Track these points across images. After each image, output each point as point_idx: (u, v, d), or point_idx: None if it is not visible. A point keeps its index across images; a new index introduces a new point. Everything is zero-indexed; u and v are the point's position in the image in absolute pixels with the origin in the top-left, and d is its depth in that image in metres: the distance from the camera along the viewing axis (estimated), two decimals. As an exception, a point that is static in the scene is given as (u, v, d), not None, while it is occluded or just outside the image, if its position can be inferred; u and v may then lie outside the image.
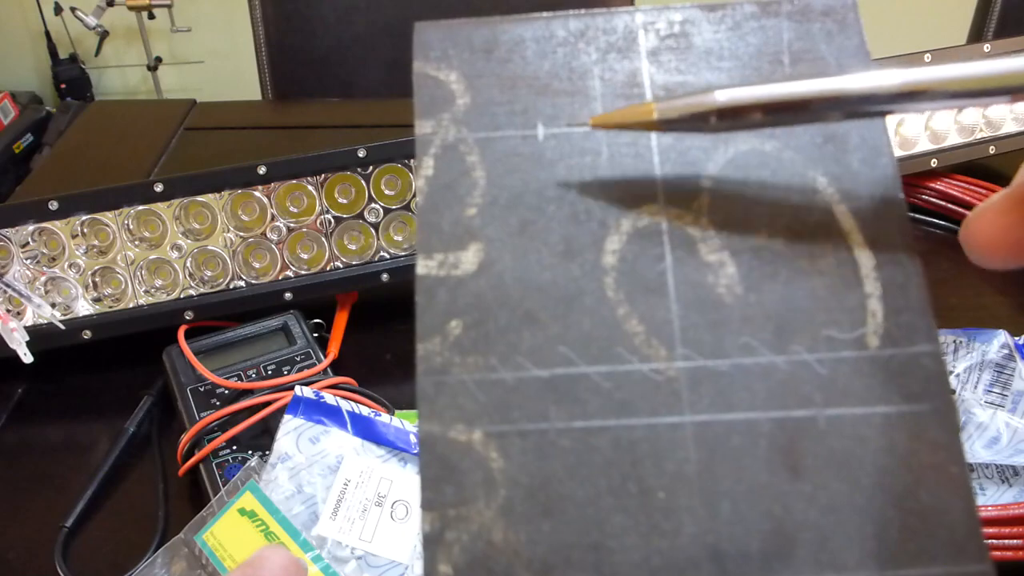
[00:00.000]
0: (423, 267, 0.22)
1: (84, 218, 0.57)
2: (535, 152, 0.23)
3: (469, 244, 0.22)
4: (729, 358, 0.21)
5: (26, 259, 0.57)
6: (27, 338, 0.56)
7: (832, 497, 0.20)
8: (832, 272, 0.22)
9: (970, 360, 0.49)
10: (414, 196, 0.60)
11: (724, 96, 0.21)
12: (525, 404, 0.21)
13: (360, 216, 0.60)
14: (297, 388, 0.48)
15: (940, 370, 0.21)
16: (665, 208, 0.23)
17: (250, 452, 0.50)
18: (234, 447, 0.50)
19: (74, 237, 0.57)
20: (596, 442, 0.21)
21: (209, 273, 0.59)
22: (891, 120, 0.69)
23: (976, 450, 0.46)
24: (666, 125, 0.22)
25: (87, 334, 0.57)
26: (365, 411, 0.49)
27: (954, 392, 0.49)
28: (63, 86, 2.09)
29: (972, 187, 0.72)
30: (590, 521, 0.20)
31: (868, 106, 0.21)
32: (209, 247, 0.59)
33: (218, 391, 0.53)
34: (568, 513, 0.20)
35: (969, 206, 0.71)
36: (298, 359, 0.55)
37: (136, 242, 0.58)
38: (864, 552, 0.20)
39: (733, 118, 0.21)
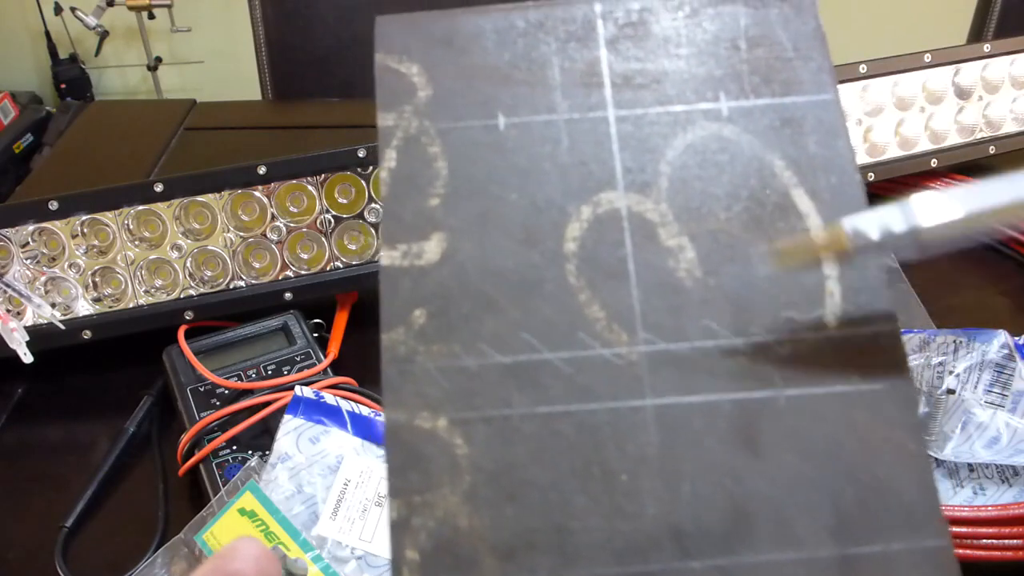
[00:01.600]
0: (387, 258, 0.22)
1: (84, 218, 0.57)
2: (496, 142, 0.24)
3: (432, 234, 0.23)
4: (690, 341, 0.22)
5: (26, 259, 0.57)
6: (27, 338, 0.56)
7: (790, 475, 0.20)
8: None
9: (970, 360, 0.49)
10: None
11: (926, 220, 0.20)
12: (488, 390, 0.21)
13: (360, 216, 0.60)
14: (297, 388, 0.48)
15: (898, 349, 0.21)
16: (625, 194, 0.23)
17: (250, 452, 0.50)
18: (234, 447, 0.50)
19: (74, 237, 0.57)
20: (559, 427, 0.21)
21: (209, 273, 0.59)
22: (891, 120, 0.69)
23: (976, 450, 0.46)
24: (859, 252, 0.21)
25: (87, 334, 0.57)
26: (365, 411, 0.49)
27: (953, 392, 0.49)
28: (63, 86, 2.09)
29: (972, 187, 0.72)
30: (554, 505, 0.20)
31: None
32: (209, 247, 0.59)
33: (218, 391, 0.53)
34: (532, 497, 0.20)
35: (969, 206, 0.71)
36: (298, 359, 0.55)
37: (136, 242, 0.58)
38: (822, 529, 0.20)
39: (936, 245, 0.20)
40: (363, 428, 0.48)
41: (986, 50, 0.70)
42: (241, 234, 0.59)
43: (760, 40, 0.24)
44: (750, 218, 0.23)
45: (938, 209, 0.20)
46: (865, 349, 0.21)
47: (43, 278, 0.57)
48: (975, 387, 0.48)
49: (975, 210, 0.20)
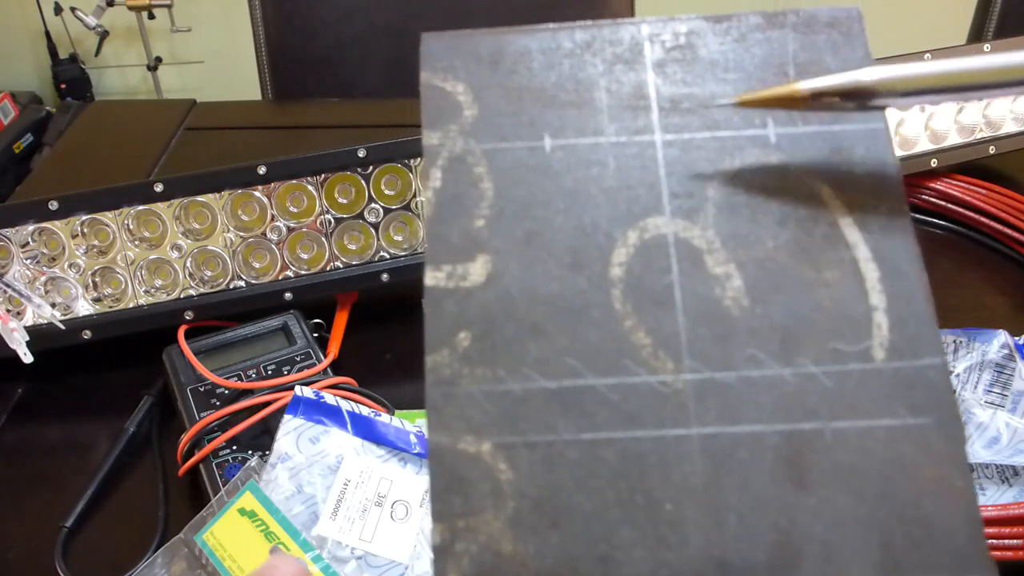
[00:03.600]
0: (431, 278, 0.22)
1: (84, 218, 0.57)
2: (542, 163, 0.23)
3: (477, 255, 0.23)
4: (736, 370, 0.21)
5: (26, 259, 0.57)
6: (27, 338, 0.56)
7: (837, 509, 0.20)
8: (838, 284, 0.22)
9: (970, 360, 0.49)
10: (414, 196, 0.60)
11: (875, 75, 0.22)
12: (533, 415, 0.21)
13: (360, 216, 0.60)
14: (297, 388, 0.48)
15: (945, 382, 0.21)
16: (671, 220, 0.23)
17: (250, 452, 0.50)
18: (234, 447, 0.50)
19: (74, 237, 0.57)
20: (603, 454, 0.21)
21: (209, 273, 0.59)
22: (891, 120, 0.69)
23: (976, 450, 0.46)
24: (816, 101, 0.22)
25: (87, 334, 0.57)
26: (365, 411, 0.49)
27: (954, 392, 0.49)
28: (63, 86, 2.09)
29: (972, 187, 0.72)
30: (597, 533, 0.20)
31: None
32: (209, 247, 0.59)
33: (218, 391, 0.53)
34: (576, 524, 0.20)
35: (969, 206, 0.71)
36: (298, 359, 0.55)
37: (136, 242, 0.58)
38: (869, 563, 0.20)
39: (884, 95, 0.22)
40: (363, 428, 0.48)
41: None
42: (241, 234, 0.59)
43: (809, 66, 0.24)
44: (798, 247, 0.22)
45: (892, 70, 0.21)
46: (913, 382, 0.21)
47: (43, 278, 0.57)
48: (975, 387, 0.48)
49: (929, 71, 0.21)
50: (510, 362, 0.22)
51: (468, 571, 0.20)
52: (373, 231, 0.60)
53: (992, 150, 0.72)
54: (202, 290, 0.59)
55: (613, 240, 0.23)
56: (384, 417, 0.48)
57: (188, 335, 0.56)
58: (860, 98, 0.21)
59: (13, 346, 0.55)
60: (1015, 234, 0.68)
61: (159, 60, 2.11)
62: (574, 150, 0.23)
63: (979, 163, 0.72)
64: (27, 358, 0.56)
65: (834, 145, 0.23)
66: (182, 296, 0.59)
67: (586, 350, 0.22)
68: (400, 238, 0.61)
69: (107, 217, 0.57)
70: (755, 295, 0.22)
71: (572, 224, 0.23)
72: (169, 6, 1.98)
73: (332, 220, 0.60)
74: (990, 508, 0.44)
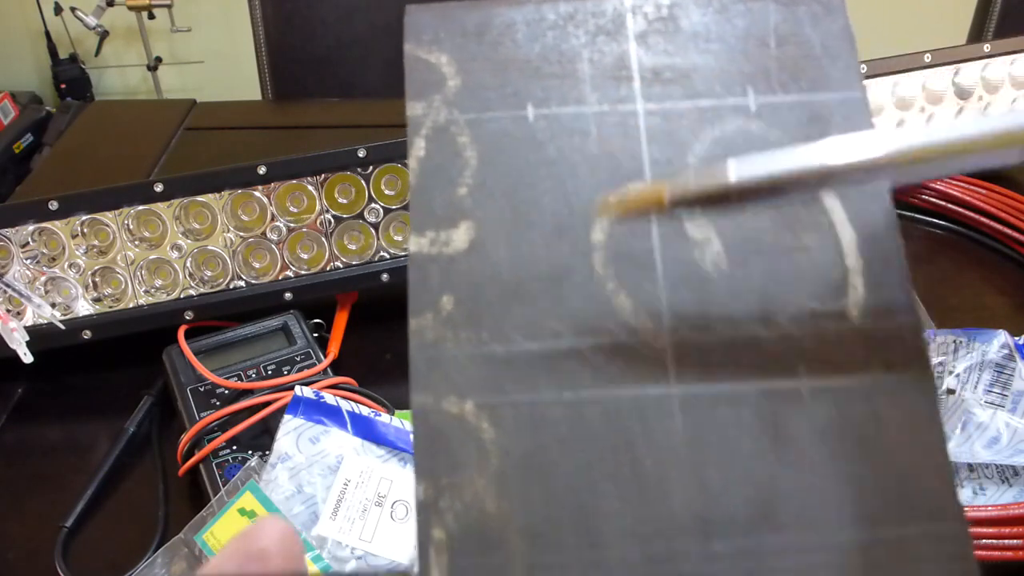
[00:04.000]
0: (415, 244, 0.23)
1: (84, 218, 0.57)
2: (525, 133, 0.24)
3: (460, 222, 0.23)
4: (715, 331, 0.22)
5: (26, 259, 0.57)
6: (27, 338, 0.56)
7: (814, 465, 0.21)
8: (815, 247, 0.23)
9: (970, 360, 0.49)
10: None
11: (735, 174, 0.20)
12: (516, 377, 0.21)
13: (360, 216, 0.60)
14: (297, 388, 0.48)
15: (919, 341, 0.22)
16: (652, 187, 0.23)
17: (250, 452, 0.50)
18: (234, 447, 0.50)
19: (74, 237, 0.57)
20: (585, 413, 0.21)
21: (209, 273, 0.59)
22: (891, 120, 0.69)
23: (976, 450, 0.46)
24: (675, 205, 0.21)
25: (87, 334, 0.57)
26: (365, 411, 0.49)
27: (953, 392, 0.49)
28: (63, 86, 2.09)
29: (972, 187, 0.72)
30: (580, 489, 0.21)
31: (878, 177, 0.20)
32: (209, 247, 0.59)
33: (218, 391, 0.53)
34: (558, 482, 0.21)
35: (969, 206, 0.71)
36: (298, 359, 0.55)
37: (136, 242, 0.58)
38: (845, 515, 0.20)
39: (746, 198, 0.20)
40: (363, 428, 0.48)
41: (986, 50, 0.70)
42: (241, 234, 0.59)
43: (789, 37, 0.24)
44: (776, 212, 0.23)
45: (750, 165, 0.20)
46: (888, 341, 0.22)
47: (43, 278, 0.57)
48: (975, 387, 0.48)
49: (783, 169, 0.20)
50: (493, 325, 0.22)
51: (452, 527, 0.20)
52: (373, 231, 0.60)
53: (992, 150, 0.72)
54: (202, 290, 0.59)
55: (595, 206, 0.23)
56: (384, 417, 0.48)
57: (188, 335, 0.56)
58: (725, 202, 0.20)
59: (13, 346, 0.56)
60: (1015, 234, 0.68)
61: (159, 60, 2.11)
62: (557, 119, 0.24)
63: (979, 163, 0.72)
64: (27, 358, 0.56)
65: (812, 112, 0.24)
66: (182, 296, 0.59)
67: (568, 313, 0.22)
68: (400, 238, 0.61)
69: (107, 217, 0.57)
70: (734, 259, 0.22)
71: (555, 191, 0.23)
72: (169, 6, 1.98)
73: (332, 220, 0.60)
74: (990, 508, 0.44)
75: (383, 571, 0.20)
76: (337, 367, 0.57)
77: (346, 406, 0.48)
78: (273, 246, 0.59)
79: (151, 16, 2.01)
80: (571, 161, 0.23)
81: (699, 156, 0.23)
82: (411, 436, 0.21)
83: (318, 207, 0.59)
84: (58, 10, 2.01)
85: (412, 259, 0.22)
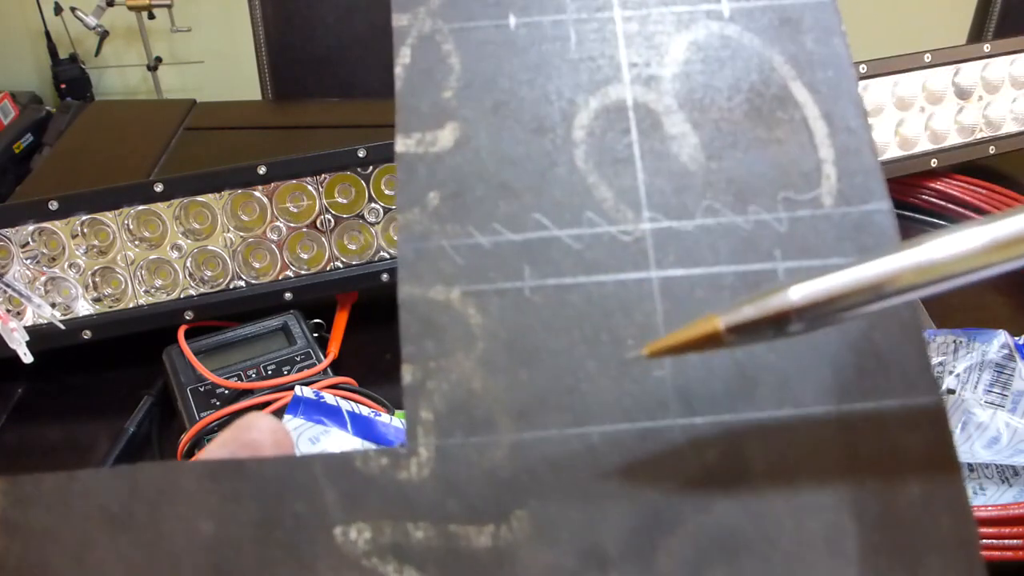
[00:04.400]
0: (402, 145, 0.23)
1: (84, 218, 0.57)
2: (507, 39, 0.25)
3: (446, 123, 0.24)
4: (693, 219, 0.23)
5: (26, 259, 0.57)
6: (27, 338, 0.56)
7: (791, 342, 0.21)
8: (789, 140, 0.24)
9: (970, 360, 0.49)
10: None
11: (798, 294, 0.19)
12: (501, 265, 0.22)
13: (360, 216, 0.60)
14: (297, 388, 0.48)
15: (891, 225, 0.23)
16: (631, 87, 0.24)
17: (250, 452, 0.50)
18: (234, 447, 0.50)
19: (74, 237, 0.57)
20: (569, 297, 0.22)
21: (209, 273, 0.59)
22: (891, 120, 0.69)
23: (976, 450, 0.46)
24: (735, 337, 0.19)
25: (87, 334, 0.57)
26: (365, 411, 0.49)
27: (953, 392, 0.49)
28: (63, 86, 2.09)
29: (972, 187, 0.72)
30: (564, 368, 0.21)
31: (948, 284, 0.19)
32: (209, 247, 0.59)
33: (218, 391, 0.53)
34: (544, 362, 0.21)
35: (969, 206, 0.71)
36: (298, 359, 0.55)
37: (136, 242, 0.58)
38: (822, 390, 0.21)
39: (812, 318, 0.19)
40: (363, 428, 0.48)
41: (986, 50, 0.70)
42: (241, 234, 0.59)
43: None
44: (751, 108, 0.24)
45: (811, 288, 0.19)
46: (860, 226, 0.23)
47: (43, 278, 0.57)
48: (975, 387, 0.48)
49: (848, 286, 0.19)
50: (479, 218, 0.23)
51: (440, 407, 0.21)
52: (373, 231, 0.60)
53: (992, 150, 0.72)
54: (202, 290, 0.59)
55: (576, 106, 0.24)
56: (384, 417, 0.48)
57: (188, 335, 0.56)
58: (783, 324, 0.19)
59: (13, 346, 0.56)
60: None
61: (159, 60, 2.11)
62: (538, 27, 0.25)
63: (979, 163, 0.72)
64: (27, 358, 0.56)
65: (783, 16, 0.25)
66: (182, 296, 0.59)
67: (551, 205, 0.23)
68: (400, 238, 0.61)
69: (107, 217, 0.57)
70: (711, 152, 0.23)
71: (536, 93, 0.24)
72: (169, 6, 1.98)
73: (332, 220, 0.60)
74: (990, 508, 0.44)
75: (373, 450, 0.21)
76: (337, 367, 0.57)
77: (346, 406, 0.48)
78: (273, 246, 0.59)
79: (151, 16, 2.00)
80: (552, 65, 0.24)
81: (675, 58, 0.24)
82: (399, 326, 0.22)
83: (318, 207, 0.59)
84: (58, 10, 2.00)
85: (399, 158, 0.23)
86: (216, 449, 0.21)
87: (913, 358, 0.21)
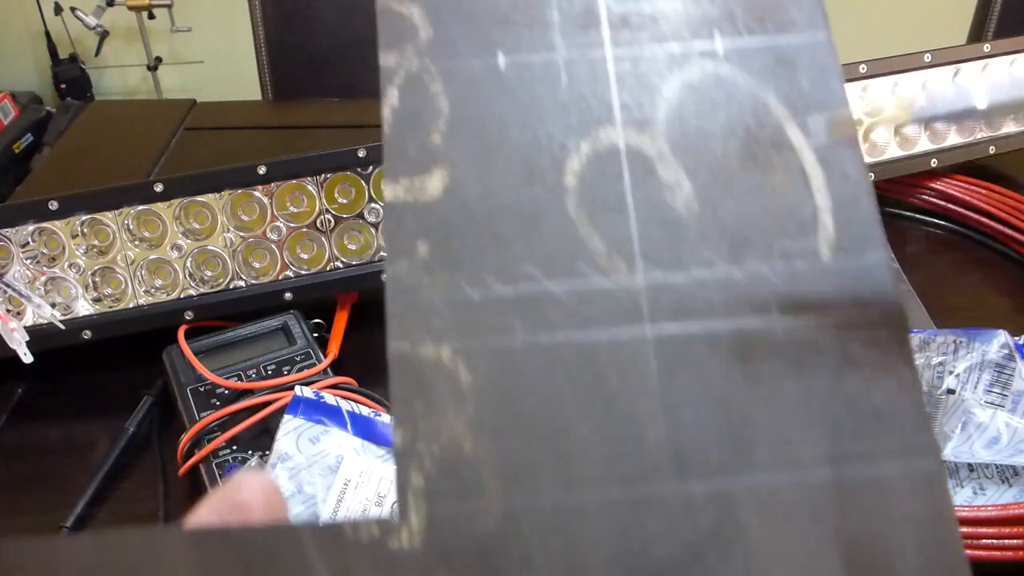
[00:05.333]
0: (390, 192, 0.23)
1: (84, 218, 0.57)
2: (497, 80, 0.24)
3: (434, 169, 0.23)
4: (687, 271, 0.22)
5: (26, 259, 0.57)
6: (27, 338, 0.56)
7: (788, 402, 0.21)
8: (785, 187, 0.23)
9: (970, 360, 0.49)
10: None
11: None
12: (491, 320, 0.22)
13: (360, 216, 0.60)
14: (297, 388, 0.48)
15: (889, 278, 0.22)
16: (623, 130, 0.24)
17: (250, 452, 0.50)
18: (234, 447, 0.50)
19: (74, 237, 0.57)
20: (560, 355, 0.21)
21: (209, 273, 0.59)
22: (891, 119, 0.69)
23: (976, 450, 0.46)
24: None
25: (87, 334, 0.57)
26: (365, 411, 0.49)
27: (953, 392, 0.49)
28: (63, 86, 2.09)
29: (972, 187, 0.72)
30: (556, 430, 0.21)
31: None
32: (209, 247, 0.59)
33: (218, 391, 0.53)
34: (535, 423, 0.21)
35: (969, 206, 0.71)
36: (298, 359, 0.55)
37: (136, 242, 0.58)
38: (819, 451, 0.21)
39: None
40: (363, 428, 0.48)
41: (986, 50, 0.70)
42: (241, 234, 0.59)
43: None
44: (746, 152, 0.23)
45: None
46: (858, 278, 0.22)
47: (43, 278, 0.58)
48: (975, 387, 0.48)
49: None
50: (469, 270, 0.22)
51: (430, 470, 0.20)
52: (373, 231, 0.60)
53: (992, 150, 0.72)
54: (202, 290, 0.59)
55: (567, 150, 0.23)
56: (384, 417, 0.48)
57: (188, 335, 0.56)
58: None
59: (13, 346, 0.56)
60: (1015, 234, 0.68)
61: (159, 60, 2.11)
62: (528, 66, 0.24)
63: (979, 163, 0.72)
64: (27, 358, 0.56)
65: (778, 55, 0.24)
66: (182, 296, 0.59)
67: (542, 256, 0.22)
68: (400, 238, 0.61)
69: (107, 217, 0.57)
70: (705, 200, 0.23)
71: (527, 136, 0.23)
72: (169, 6, 1.98)
73: (332, 220, 0.60)
74: (990, 508, 0.44)
75: (364, 520, 0.20)
76: (337, 367, 0.57)
77: (346, 406, 0.48)
78: (273, 246, 0.59)
79: (151, 16, 2.01)
80: (542, 106, 0.24)
81: (667, 99, 0.24)
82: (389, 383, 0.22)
83: (318, 207, 0.59)
84: (58, 10, 2.01)
85: (387, 207, 0.23)
86: (206, 512, 0.21)
87: (912, 418, 0.21)
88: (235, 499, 0.21)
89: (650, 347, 0.22)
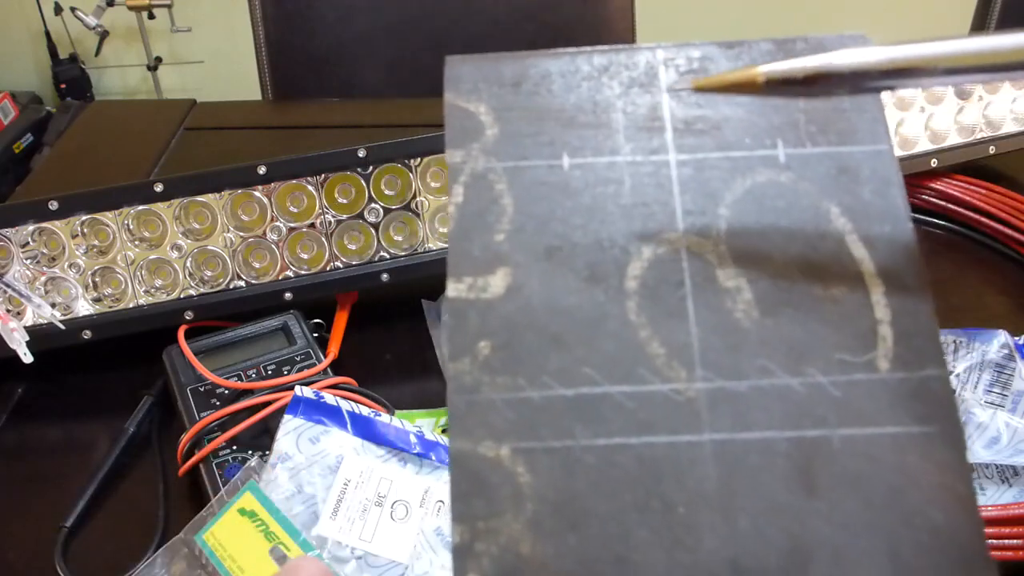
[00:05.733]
0: (453, 290, 0.23)
1: (84, 218, 0.57)
2: (561, 181, 0.24)
3: (497, 268, 0.23)
4: (747, 379, 0.22)
5: (26, 259, 0.57)
6: (27, 338, 0.56)
7: (846, 515, 0.21)
8: (844, 299, 0.23)
9: (970, 360, 0.49)
10: (414, 196, 0.60)
11: (815, 61, 0.22)
12: (551, 422, 0.22)
13: (360, 216, 0.60)
14: (297, 388, 0.48)
15: (948, 393, 0.22)
16: (685, 236, 0.24)
17: (250, 452, 0.50)
18: (234, 447, 0.50)
19: (74, 237, 0.57)
20: (619, 459, 0.21)
21: (209, 273, 0.59)
22: (891, 120, 0.69)
23: (976, 450, 0.46)
24: (769, 87, 0.22)
25: (87, 334, 0.57)
26: (365, 411, 0.49)
27: (956, 401, 0.49)
28: (63, 86, 2.09)
29: (972, 187, 0.72)
30: (614, 535, 0.21)
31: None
32: (209, 247, 0.59)
33: (218, 391, 0.53)
34: (593, 527, 0.21)
35: (969, 206, 0.71)
36: (298, 359, 0.55)
37: (136, 242, 0.58)
38: (877, 568, 0.20)
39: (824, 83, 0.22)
40: (363, 428, 0.48)
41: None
42: (241, 234, 0.59)
43: None
44: (806, 262, 0.23)
45: (852, 54, 0.21)
46: (917, 392, 0.22)
47: (43, 278, 0.57)
48: (975, 387, 0.48)
49: (889, 57, 0.21)
50: (530, 371, 0.22)
51: (488, 571, 0.20)
52: (373, 231, 0.60)
53: (992, 150, 0.72)
54: (202, 290, 0.59)
55: (629, 254, 0.23)
56: (384, 417, 0.48)
57: (188, 335, 0.56)
58: (819, 83, 0.21)
59: (13, 346, 0.55)
60: (1015, 234, 0.68)
61: (159, 60, 2.11)
62: (592, 168, 0.24)
63: (979, 163, 0.72)
64: (27, 358, 0.56)
65: (841, 165, 0.24)
66: (182, 296, 0.59)
67: (603, 359, 0.22)
68: (400, 238, 0.61)
69: (107, 217, 0.57)
70: (765, 308, 0.23)
71: (590, 239, 0.24)
72: (169, 6, 1.98)
73: (332, 220, 0.60)
74: (990, 508, 0.44)
75: None
76: (337, 367, 0.57)
77: (346, 406, 0.48)
78: (273, 246, 0.59)
79: (151, 16, 2.00)
80: (605, 209, 0.24)
81: (729, 206, 0.24)
82: (448, 481, 0.22)
83: (318, 207, 0.59)
84: (58, 10, 2.00)
85: (450, 304, 0.23)
86: None
87: (969, 535, 0.21)
88: None
89: (708, 454, 0.21)
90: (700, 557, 0.20)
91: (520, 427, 0.22)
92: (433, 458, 0.47)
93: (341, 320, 0.61)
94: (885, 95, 0.69)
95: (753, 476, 0.21)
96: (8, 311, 0.57)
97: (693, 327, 0.23)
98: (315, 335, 0.58)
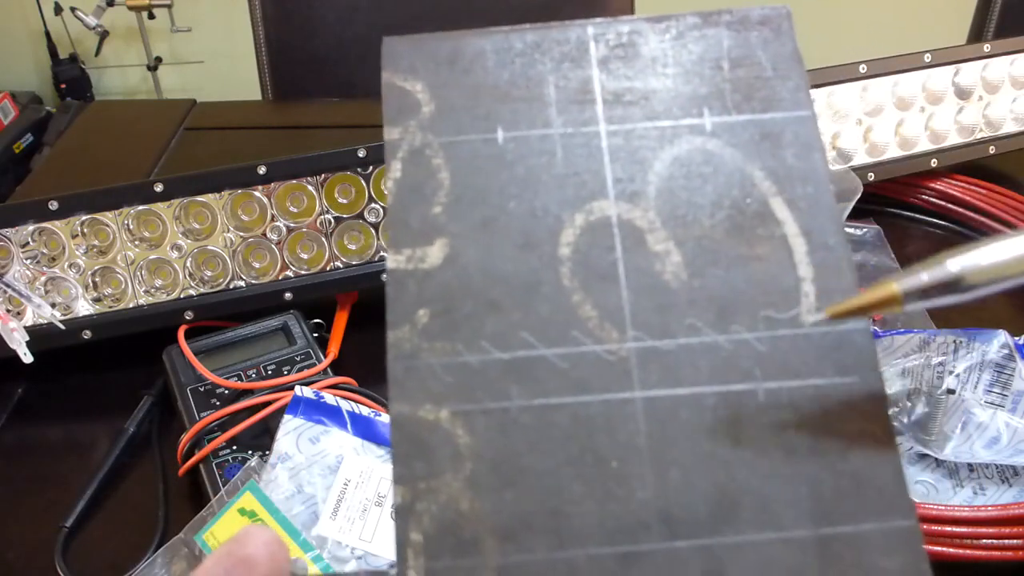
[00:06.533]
0: (393, 261, 0.24)
1: (84, 218, 0.57)
2: (496, 154, 0.25)
3: (435, 239, 0.24)
4: (676, 338, 0.23)
5: (26, 259, 0.57)
6: (27, 338, 0.56)
7: (772, 464, 0.22)
8: (769, 257, 0.24)
9: (970, 360, 0.49)
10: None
11: (956, 266, 0.22)
12: (488, 385, 0.23)
13: (360, 216, 0.60)
14: (297, 388, 0.48)
15: (869, 345, 0.23)
16: (615, 203, 0.25)
17: (250, 452, 0.50)
18: (234, 447, 0.50)
19: (74, 237, 0.57)
20: (554, 418, 0.22)
21: (209, 273, 0.59)
22: (891, 120, 0.69)
23: (976, 450, 0.46)
24: (909, 300, 0.22)
25: (87, 334, 0.57)
26: (365, 411, 0.49)
27: (953, 392, 0.49)
28: (63, 86, 2.09)
29: (972, 187, 0.72)
30: (549, 490, 0.22)
31: None
32: (209, 247, 0.59)
33: (218, 391, 0.53)
34: (529, 483, 0.22)
35: (969, 206, 0.71)
36: (298, 359, 0.55)
37: (136, 242, 0.58)
38: (802, 512, 0.22)
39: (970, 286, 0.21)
40: (363, 428, 0.48)
41: (986, 50, 0.70)
42: (241, 234, 0.59)
43: (741, 60, 0.26)
44: (732, 225, 0.24)
45: (979, 257, 0.21)
46: (839, 345, 0.23)
47: (43, 278, 0.58)
48: (975, 387, 0.48)
49: (1015, 256, 0.21)
50: (467, 336, 0.23)
51: (429, 528, 0.21)
52: (373, 231, 0.60)
53: (992, 150, 0.72)
54: (202, 290, 0.59)
55: (562, 222, 0.24)
56: (384, 417, 0.48)
57: (188, 335, 0.56)
58: (954, 291, 0.21)
59: (13, 346, 0.56)
60: None
61: (159, 60, 2.11)
62: (525, 141, 0.25)
63: (979, 163, 0.72)
64: (27, 358, 0.56)
65: (764, 131, 0.25)
66: (182, 296, 0.59)
67: (538, 323, 0.23)
68: (400, 238, 0.61)
69: (107, 217, 0.57)
70: (693, 270, 0.24)
71: (524, 209, 0.25)
72: (169, 6, 1.98)
73: (332, 220, 0.60)
74: (990, 508, 0.44)
75: (364, 571, 0.21)
76: (337, 367, 0.57)
77: (346, 406, 0.48)
78: (273, 246, 0.59)
79: (151, 16, 2.00)
80: (539, 180, 0.25)
81: (658, 173, 0.25)
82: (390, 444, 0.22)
83: (318, 207, 0.59)
84: (58, 10, 2.00)
85: (390, 274, 0.24)
86: (211, 567, 0.21)
87: (890, 479, 0.22)
88: (240, 554, 0.22)
89: (639, 410, 0.22)
90: (632, 507, 0.21)
91: (458, 390, 0.23)
92: (433, 458, 0.47)
93: (341, 320, 0.61)
94: (883, 92, 0.69)
95: (682, 430, 0.22)
96: (8, 311, 0.57)
97: (624, 290, 0.24)
98: (315, 335, 0.58)
